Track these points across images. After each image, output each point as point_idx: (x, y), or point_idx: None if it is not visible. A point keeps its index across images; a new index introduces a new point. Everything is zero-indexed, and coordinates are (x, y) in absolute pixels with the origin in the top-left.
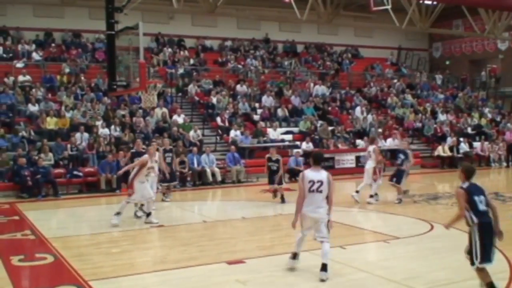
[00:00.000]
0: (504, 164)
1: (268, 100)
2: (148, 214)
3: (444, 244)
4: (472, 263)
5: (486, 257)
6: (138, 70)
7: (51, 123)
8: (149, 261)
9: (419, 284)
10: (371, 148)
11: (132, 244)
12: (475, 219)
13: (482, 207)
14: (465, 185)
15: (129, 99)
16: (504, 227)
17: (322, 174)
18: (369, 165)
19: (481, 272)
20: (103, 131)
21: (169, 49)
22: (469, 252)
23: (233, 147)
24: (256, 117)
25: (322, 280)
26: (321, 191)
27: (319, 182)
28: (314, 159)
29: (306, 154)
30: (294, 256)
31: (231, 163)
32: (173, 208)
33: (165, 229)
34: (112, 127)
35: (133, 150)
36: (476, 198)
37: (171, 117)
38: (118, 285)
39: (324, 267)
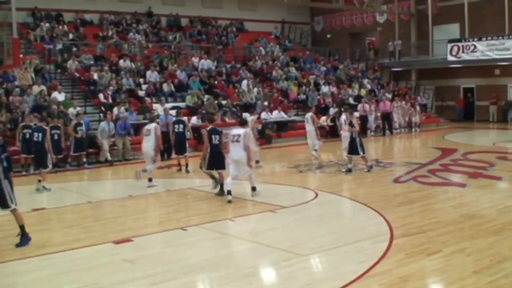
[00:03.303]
0: (381, 132)
1: (153, 75)
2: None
3: (328, 211)
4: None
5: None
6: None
7: None
8: (31, 244)
9: (305, 250)
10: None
11: (13, 229)
12: (209, 148)
13: (215, 141)
14: (209, 128)
15: (4, 77)
16: (383, 191)
17: (241, 131)
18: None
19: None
20: None
21: (47, 24)
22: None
23: None
24: (141, 93)
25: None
26: (239, 141)
27: (237, 135)
28: (241, 123)
29: (194, 129)
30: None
31: None
32: (54, 190)
33: (47, 211)
34: None
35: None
36: (213, 136)
37: (50, 94)
38: (0, 271)
39: (253, 189)
